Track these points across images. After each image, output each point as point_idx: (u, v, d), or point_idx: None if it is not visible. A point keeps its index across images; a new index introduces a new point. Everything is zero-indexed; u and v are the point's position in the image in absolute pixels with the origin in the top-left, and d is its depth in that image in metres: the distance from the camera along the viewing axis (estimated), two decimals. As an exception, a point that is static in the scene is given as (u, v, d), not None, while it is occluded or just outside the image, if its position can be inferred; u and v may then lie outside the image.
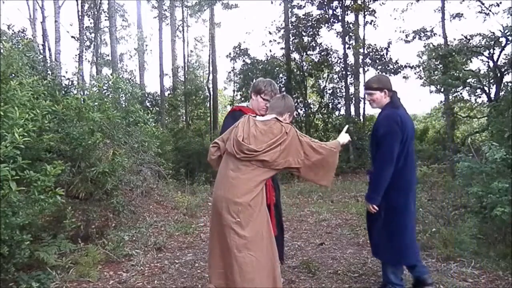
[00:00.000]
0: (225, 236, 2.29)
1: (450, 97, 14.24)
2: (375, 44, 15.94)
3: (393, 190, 2.69)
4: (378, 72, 15.90)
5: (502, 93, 9.72)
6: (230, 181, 2.31)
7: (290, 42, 16.30)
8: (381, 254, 2.84)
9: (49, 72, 6.04)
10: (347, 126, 2.86)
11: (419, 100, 51.07)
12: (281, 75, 16.03)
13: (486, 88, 11.43)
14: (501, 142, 4.43)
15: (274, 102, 2.59)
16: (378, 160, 2.70)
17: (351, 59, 16.06)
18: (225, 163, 2.41)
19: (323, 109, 16.57)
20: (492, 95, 10.62)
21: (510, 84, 9.64)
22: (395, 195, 2.70)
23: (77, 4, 13.16)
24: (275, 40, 17.03)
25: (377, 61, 15.71)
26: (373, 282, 3.18)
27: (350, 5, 15.33)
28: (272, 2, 17.00)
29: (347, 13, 15.67)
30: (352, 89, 15.90)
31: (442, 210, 4.75)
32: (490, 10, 12.45)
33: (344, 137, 2.65)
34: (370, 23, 15.81)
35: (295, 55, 16.56)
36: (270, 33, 17.16)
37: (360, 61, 15.79)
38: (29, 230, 3.16)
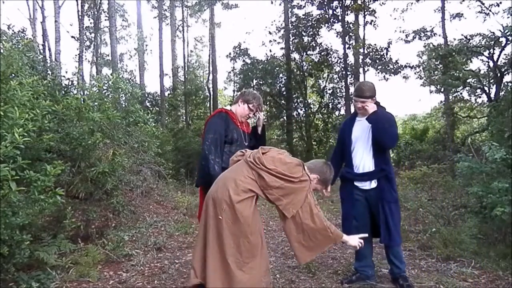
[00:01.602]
0: (206, 229, 2.30)
1: (450, 97, 14.23)
2: (375, 44, 15.94)
3: (395, 181, 3.08)
4: (378, 72, 15.91)
5: (502, 93, 9.71)
6: (224, 180, 2.33)
7: (290, 42, 16.30)
8: (397, 239, 3.02)
9: (49, 72, 6.02)
10: (366, 235, 2.72)
11: (419, 100, 51.14)
12: (281, 75, 16.03)
13: (486, 88, 11.43)
14: (501, 142, 4.43)
15: (316, 162, 2.59)
16: (395, 134, 3.04)
17: (351, 59, 16.07)
18: (232, 166, 2.47)
19: (323, 109, 16.58)
20: (492, 95, 10.62)
21: (510, 84, 9.64)
22: (395, 183, 3.11)
23: (77, 4, 13.17)
24: (275, 40, 17.05)
25: (377, 61, 15.71)
26: (374, 282, 3.18)
27: (350, 5, 15.32)
28: (272, 2, 17.00)
29: (347, 13, 15.67)
30: (352, 89, 15.90)
31: (442, 210, 4.76)
32: (490, 10, 12.45)
33: (353, 240, 2.53)
34: (370, 23, 15.81)
35: (295, 55, 16.57)
36: (270, 33, 17.17)
37: (360, 61, 15.78)
38: (29, 230, 3.16)
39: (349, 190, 3.14)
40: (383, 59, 15.64)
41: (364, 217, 3.09)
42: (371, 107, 2.98)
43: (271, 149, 2.44)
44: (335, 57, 16.37)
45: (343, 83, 16.06)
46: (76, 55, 17.35)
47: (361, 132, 3.09)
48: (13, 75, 3.43)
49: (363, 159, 3.06)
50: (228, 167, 2.78)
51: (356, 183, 3.09)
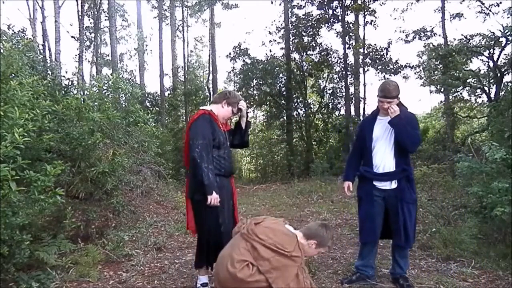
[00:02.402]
0: None
1: (450, 97, 14.23)
2: (375, 44, 15.93)
3: (414, 181, 3.06)
4: (378, 72, 15.90)
5: (502, 93, 9.70)
6: (222, 258, 2.40)
7: (290, 42, 16.30)
8: (411, 242, 3.04)
9: (49, 72, 6.02)
10: None
11: (419, 100, 51.14)
12: (281, 75, 16.02)
13: (486, 88, 11.42)
14: (501, 142, 4.42)
15: (311, 226, 2.62)
16: (418, 136, 3.02)
17: (351, 59, 16.06)
18: (232, 239, 2.53)
19: (323, 109, 16.57)
20: (492, 95, 10.62)
21: (510, 84, 9.63)
22: (415, 184, 3.10)
23: (77, 4, 13.17)
24: (275, 40, 17.03)
25: (377, 61, 15.71)
26: (374, 282, 3.18)
27: (350, 5, 15.32)
28: (272, 2, 16.98)
29: (347, 13, 15.66)
30: (352, 89, 15.90)
31: (442, 210, 4.76)
32: (490, 10, 12.45)
33: None
34: (370, 23, 15.80)
35: (295, 55, 16.55)
36: (270, 33, 17.16)
37: (360, 61, 15.77)
38: (29, 230, 3.16)
39: (368, 189, 3.09)
40: (383, 59, 15.63)
41: (379, 218, 3.08)
42: (395, 110, 2.93)
43: (265, 219, 2.47)
44: (335, 57, 16.36)
45: (343, 83, 16.04)
46: (76, 55, 17.36)
47: (382, 131, 3.05)
48: (13, 75, 3.43)
49: (383, 159, 3.02)
50: (219, 174, 2.83)
51: (375, 183, 3.05)
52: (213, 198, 2.73)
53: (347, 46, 15.71)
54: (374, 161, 3.06)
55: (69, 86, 5.95)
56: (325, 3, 15.71)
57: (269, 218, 2.54)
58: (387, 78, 15.56)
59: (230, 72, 19.14)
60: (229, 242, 2.52)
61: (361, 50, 15.64)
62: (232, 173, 3.14)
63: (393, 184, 3.00)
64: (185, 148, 3.01)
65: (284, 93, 16.05)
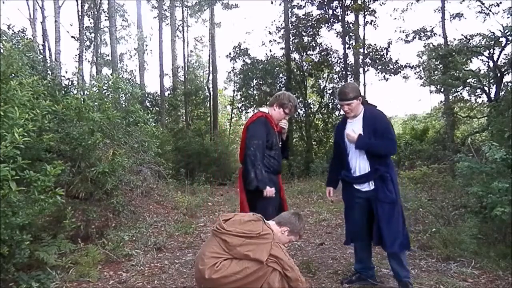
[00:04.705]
0: None
1: (450, 97, 14.22)
2: (375, 44, 15.90)
3: (394, 182, 2.96)
4: (378, 72, 15.90)
5: (502, 93, 9.70)
6: (197, 258, 2.48)
7: (290, 42, 16.29)
8: (400, 245, 2.92)
9: (49, 72, 6.03)
10: None
11: (419, 100, 51.23)
12: (281, 75, 16.02)
13: (486, 88, 11.41)
14: (501, 142, 4.42)
15: (284, 214, 2.75)
16: (392, 142, 2.96)
17: (351, 59, 16.04)
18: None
19: (323, 109, 16.56)
20: (492, 95, 10.61)
21: (510, 84, 9.63)
22: (396, 186, 2.98)
23: (77, 4, 13.15)
24: (275, 40, 17.02)
25: (377, 61, 15.69)
26: (374, 282, 3.18)
27: (350, 5, 15.31)
28: (272, 2, 16.98)
29: (347, 13, 15.65)
30: (352, 89, 15.87)
31: (442, 210, 4.75)
32: (490, 10, 12.45)
33: None
34: (370, 23, 15.78)
35: (295, 55, 16.54)
36: (270, 33, 17.15)
37: (360, 61, 15.76)
38: (29, 230, 3.16)
39: (349, 193, 3.13)
40: (383, 59, 15.62)
41: (361, 221, 3.06)
42: (351, 137, 2.97)
43: (235, 215, 2.58)
44: (335, 57, 16.35)
45: (343, 83, 16.03)
46: (76, 55, 17.35)
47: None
48: (13, 75, 3.43)
49: (358, 161, 3.04)
50: (268, 172, 3.10)
51: (355, 186, 3.07)
52: (268, 191, 3.09)
53: (347, 46, 15.70)
54: (351, 164, 3.09)
55: (69, 86, 5.96)
56: (325, 3, 15.70)
57: (238, 214, 2.63)
58: (387, 78, 15.59)
59: (230, 72, 19.13)
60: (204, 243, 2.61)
61: (361, 50, 15.62)
62: (279, 172, 3.40)
63: (371, 185, 3.00)
64: (241, 145, 3.32)
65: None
